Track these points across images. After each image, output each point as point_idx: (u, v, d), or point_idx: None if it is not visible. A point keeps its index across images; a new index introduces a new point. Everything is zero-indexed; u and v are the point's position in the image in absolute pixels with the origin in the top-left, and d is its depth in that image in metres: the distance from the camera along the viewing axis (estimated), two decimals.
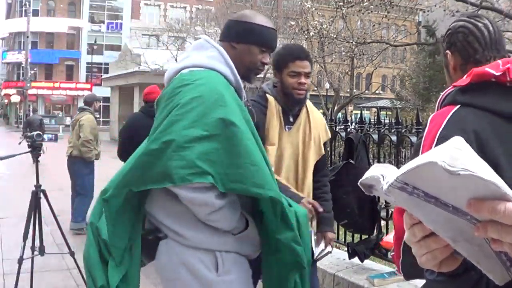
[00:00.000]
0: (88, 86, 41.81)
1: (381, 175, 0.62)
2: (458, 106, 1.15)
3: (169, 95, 1.76)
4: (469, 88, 1.14)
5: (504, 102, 1.09)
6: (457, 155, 0.55)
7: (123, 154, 5.62)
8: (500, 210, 0.55)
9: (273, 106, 2.52)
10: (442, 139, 1.11)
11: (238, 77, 1.90)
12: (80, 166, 6.45)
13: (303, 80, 2.49)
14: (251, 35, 1.92)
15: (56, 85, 43.69)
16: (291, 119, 2.59)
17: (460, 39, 1.38)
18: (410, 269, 1.22)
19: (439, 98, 1.26)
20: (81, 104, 7.79)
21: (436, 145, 1.12)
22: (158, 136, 1.67)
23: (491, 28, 1.39)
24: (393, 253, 1.46)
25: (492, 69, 1.13)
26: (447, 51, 1.42)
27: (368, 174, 0.64)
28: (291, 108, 2.57)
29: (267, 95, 2.56)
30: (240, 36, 1.93)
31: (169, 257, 1.77)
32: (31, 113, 19.43)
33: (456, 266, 0.68)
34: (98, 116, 7.11)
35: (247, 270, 1.86)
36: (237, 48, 1.92)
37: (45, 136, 4.27)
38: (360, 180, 0.65)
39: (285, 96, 2.54)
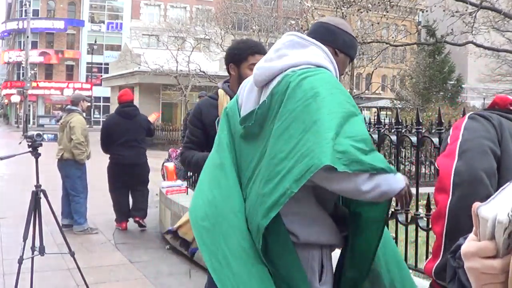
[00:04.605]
0: (88, 86, 41.83)
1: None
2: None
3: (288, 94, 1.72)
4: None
5: None
6: None
7: (103, 150, 6.63)
8: None
9: (222, 97, 2.62)
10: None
11: (338, 73, 1.91)
12: (72, 168, 6.39)
13: None
14: (353, 49, 1.98)
15: (57, 85, 43.71)
16: None
17: None
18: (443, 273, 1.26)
19: None
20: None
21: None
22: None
23: None
24: None
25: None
26: None
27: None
28: None
29: (219, 90, 2.67)
30: (345, 46, 1.95)
31: None
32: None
33: None
34: (86, 116, 7.34)
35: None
36: (338, 56, 1.93)
37: (45, 136, 4.27)
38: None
39: None
